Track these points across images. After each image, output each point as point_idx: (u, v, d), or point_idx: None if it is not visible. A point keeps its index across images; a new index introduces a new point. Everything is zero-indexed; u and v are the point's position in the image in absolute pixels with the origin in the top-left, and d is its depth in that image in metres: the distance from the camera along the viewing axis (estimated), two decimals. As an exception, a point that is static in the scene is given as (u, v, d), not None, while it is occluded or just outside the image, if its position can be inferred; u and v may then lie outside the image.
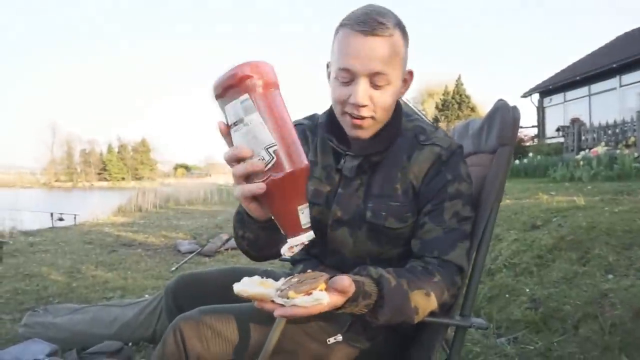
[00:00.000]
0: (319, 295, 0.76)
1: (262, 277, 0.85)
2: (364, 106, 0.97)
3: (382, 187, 1.04)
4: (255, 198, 0.82)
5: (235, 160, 0.79)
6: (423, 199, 1.03)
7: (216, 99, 0.81)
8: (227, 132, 0.80)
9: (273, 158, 0.77)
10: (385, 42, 0.94)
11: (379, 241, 1.04)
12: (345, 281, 0.79)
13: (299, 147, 0.81)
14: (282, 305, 0.77)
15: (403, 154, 1.05)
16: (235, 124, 0.79)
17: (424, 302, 0.91)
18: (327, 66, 1.08)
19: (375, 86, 0.97)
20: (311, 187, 1.09)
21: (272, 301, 0.79)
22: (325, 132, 1.10)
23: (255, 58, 0.81)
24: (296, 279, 0.81)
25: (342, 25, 0.98)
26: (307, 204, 0.84)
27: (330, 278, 0.80)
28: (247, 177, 0.80)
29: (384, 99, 0.98)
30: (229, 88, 0.78)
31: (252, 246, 1.03)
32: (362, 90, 0.96)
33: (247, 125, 0.77)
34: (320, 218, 1.07)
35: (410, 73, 1.06)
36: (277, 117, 0.78)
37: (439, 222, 1.00)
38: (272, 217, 0.86)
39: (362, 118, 0.99)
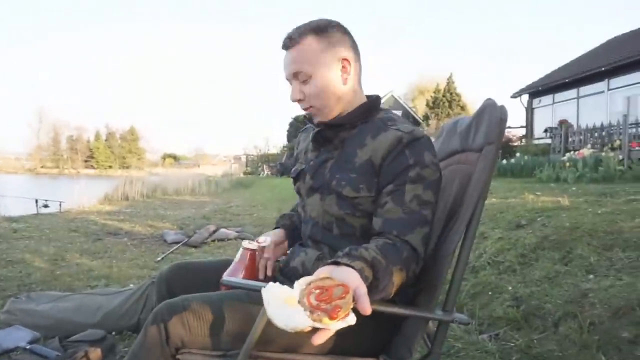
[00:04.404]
0: (350, 320, 0.79)
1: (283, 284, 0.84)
2: (298, 100, 1.20)
3: (345, 161, 1.18)
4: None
5: None
6: (384, 179, 1.12)
7: None
8: None
9: None
10: (296, 50, 1.17)
11: (342, 207, 1.16)
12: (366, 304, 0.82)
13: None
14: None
15: (368, 133, 1.18)
16: None
17: (398, 279, 0.99)
18: None
19: (302, 83, 1.18)
20: (295, 168, 1.33)
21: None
22: (310, 122, 1.31)
23: None
24: (314, 287, 0.82)
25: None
26: None
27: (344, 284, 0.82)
28: None
29: (312, 89, 1.18)
30: None
31: None
32: (292, 90, 1.20)
33: None
34: (301, 192, 1.29)
35: (346, 59, 1.19)
36: None
37: (400, 203, 1.08)
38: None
39: (307, 109, 1.22)
